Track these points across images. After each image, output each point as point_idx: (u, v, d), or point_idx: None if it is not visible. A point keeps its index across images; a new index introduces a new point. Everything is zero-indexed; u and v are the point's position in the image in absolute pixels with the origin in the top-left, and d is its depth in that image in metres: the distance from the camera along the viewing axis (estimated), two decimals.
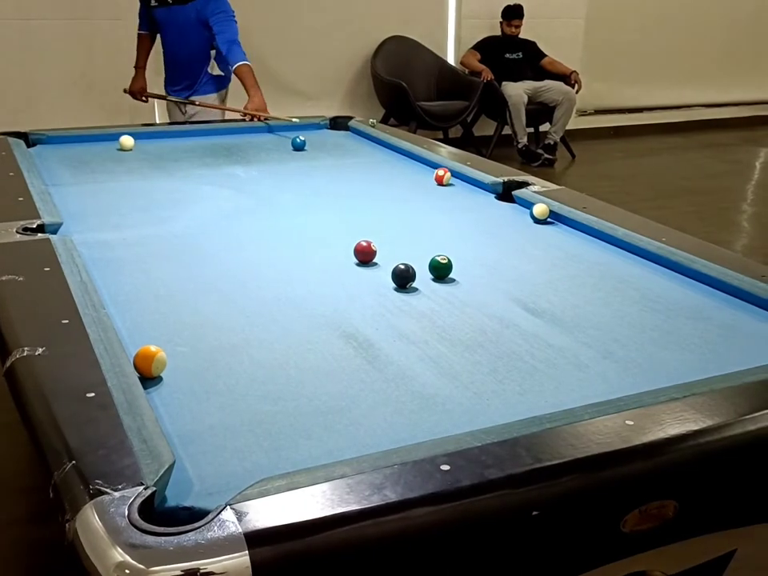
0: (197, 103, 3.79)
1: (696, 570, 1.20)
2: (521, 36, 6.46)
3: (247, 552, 0.84)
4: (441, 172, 2.58)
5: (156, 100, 4.21)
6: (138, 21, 3.96)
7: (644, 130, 7.52)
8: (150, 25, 3.88)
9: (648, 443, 1.07)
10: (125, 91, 4.09)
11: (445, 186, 2.56)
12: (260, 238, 2.05)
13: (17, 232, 1.85)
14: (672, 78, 7.58)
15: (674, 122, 7.67)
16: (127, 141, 2.98)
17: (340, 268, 1.82)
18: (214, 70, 3.85)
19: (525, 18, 6.40)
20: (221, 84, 3.90)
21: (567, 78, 6.40)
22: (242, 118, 3.50)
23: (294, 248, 1.97)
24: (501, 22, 6.43)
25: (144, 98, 4.06)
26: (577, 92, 6.38)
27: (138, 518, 0.88)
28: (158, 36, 3.91)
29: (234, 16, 3.66)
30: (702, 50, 7.65)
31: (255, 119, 3.39)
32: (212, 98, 3.87)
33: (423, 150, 2.89)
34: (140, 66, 4.02)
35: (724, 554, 1.22)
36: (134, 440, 1.03)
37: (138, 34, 3.99)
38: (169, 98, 3.94)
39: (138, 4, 3.87)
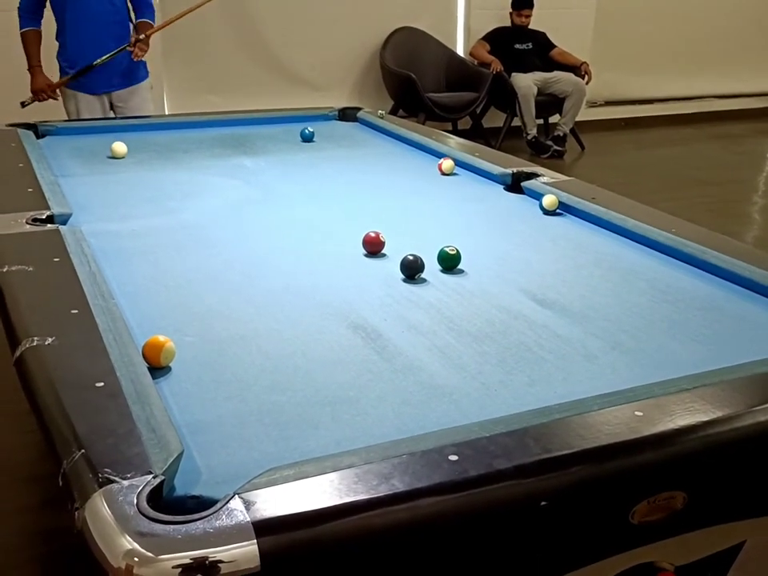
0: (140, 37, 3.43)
1: (705, 562, 1.20)
2: (530, 26, 6.43)
3: (255, 540, 0.84)
4: (440, 161, 2.58)
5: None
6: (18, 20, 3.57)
7: (654, 121, 7.47)
8: (40, 14, 3.58)
9: (657, 434, 1.06)
10: (24, 104, 3.58)
11: (448, 174, 2.55)
12: (268, 228, 2.05)
13: (26, 223, 1.85)
14: (683, 68, 7.53)
15: (684, 113, 7.62)
16: (119, 147, 2.72)
17: (348, 259, 1.82)
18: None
19: (535, 8, 6.36)
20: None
21: (577, 69, 6.36)
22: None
23: (302, 239, 1.97)
24: (510, 12, 6.40)
25: (53, 93, 3.65)
26: (587, 83, 6.34)
27: (146, 506, 0.88)
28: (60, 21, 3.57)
29: None
30: (713, 41, 7.59)
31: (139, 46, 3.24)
32: (147, 85, 3.78)
33: (432, 141, 2.88)
34: (37, 63, 3.61)
35: (733, 546, 1.21)
36: (143, 429, 1.03)
37: (28, 31, 3.57)
38: (97, 62, 3.54)
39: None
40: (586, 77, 6.34)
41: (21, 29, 3.57)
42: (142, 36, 3.43)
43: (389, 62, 6.13)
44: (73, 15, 3.52)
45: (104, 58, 3.54)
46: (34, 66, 3.61)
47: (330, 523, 0.89)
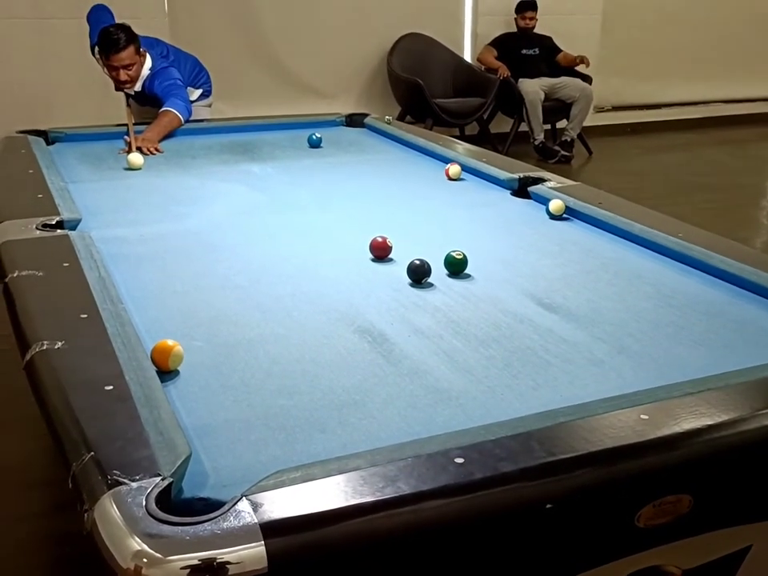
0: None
1: (710, 566, 1.20)
2: (537, 32, 6.43)
3: (263, 542, 0.85)
4: (447, 166, 2.59)
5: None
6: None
7: (661, 126, 7.47)
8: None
9: (662, 437, 1.06)
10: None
11: (455, 180, 2.56)
12: (275, 234, 2.06)
13: (36, 228, 1.87)
14: (689, 74, 7.52)
15: (690, 119, 7.61)
16: (136, 159, 2.71)
17: (355, 264, 1.83)
18: (193, 95, 3.74)
19: (541, 14, 6.37)
20: (204, 96, 3.88)
21: (576, 64, 6.33)
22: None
23: (309, 244, 1.98)
24: (515, 18, 6.41)
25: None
26: (587, 66, 6.28)
27: (155, 508, 0.89)
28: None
29: (176, 84, 3.49)
30: (718, 46, 7.58)
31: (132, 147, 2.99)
32: (205, 103, 3.88)
33: (439, 146, 2.89)
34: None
35: (739, 550, 1.21)
36: (151, 432, 1.04)
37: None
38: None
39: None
40: (584, 65, 6.28)
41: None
42: (146, 134, 3.13)
43: (396, 68, 6.14)
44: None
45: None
46: None
47: (336, 525, 0.89)
